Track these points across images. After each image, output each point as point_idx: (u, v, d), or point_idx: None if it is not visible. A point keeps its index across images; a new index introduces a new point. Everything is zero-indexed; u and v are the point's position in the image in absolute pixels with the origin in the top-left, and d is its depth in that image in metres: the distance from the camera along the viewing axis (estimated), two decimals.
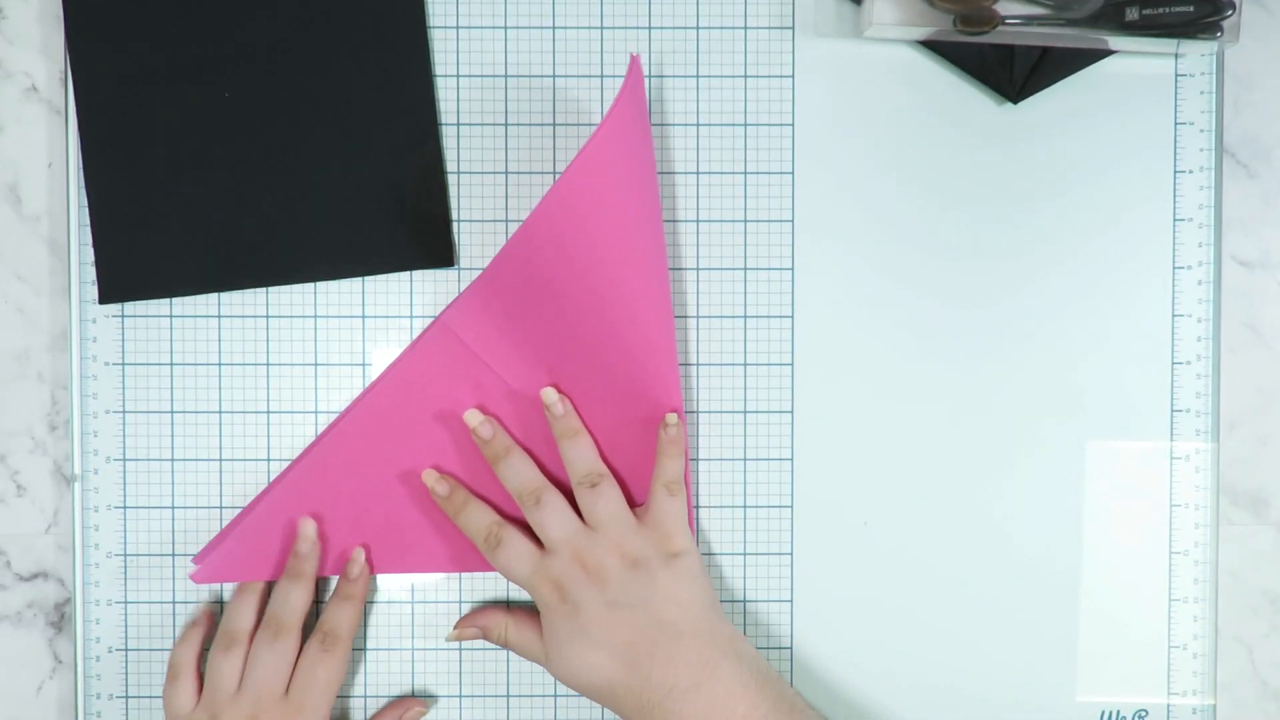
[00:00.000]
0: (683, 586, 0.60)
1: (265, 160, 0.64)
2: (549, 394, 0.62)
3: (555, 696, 0.66)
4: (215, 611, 0.65)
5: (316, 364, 0.65)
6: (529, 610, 0.64)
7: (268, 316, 0.65)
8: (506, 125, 0.65)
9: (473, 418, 0.63)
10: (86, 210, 0.64)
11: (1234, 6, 0.60)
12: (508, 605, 0.65)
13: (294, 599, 0.62)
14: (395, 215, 0.64)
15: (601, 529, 0.61)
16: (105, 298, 0.64)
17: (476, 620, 0.64)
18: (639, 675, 0.58)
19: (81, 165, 0.64)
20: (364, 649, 0.66)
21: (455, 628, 0.65)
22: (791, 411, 0.66)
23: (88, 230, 0.64)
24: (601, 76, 0.65)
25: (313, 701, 0.61)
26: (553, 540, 0.61)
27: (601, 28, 0.65)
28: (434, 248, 0.65)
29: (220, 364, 0.65)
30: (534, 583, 0.61)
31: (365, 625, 0.66)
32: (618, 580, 0.59)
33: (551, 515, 0.61)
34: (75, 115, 0.64)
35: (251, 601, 0.64)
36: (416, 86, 0.64)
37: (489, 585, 0.66)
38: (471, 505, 0.63)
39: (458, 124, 0.65)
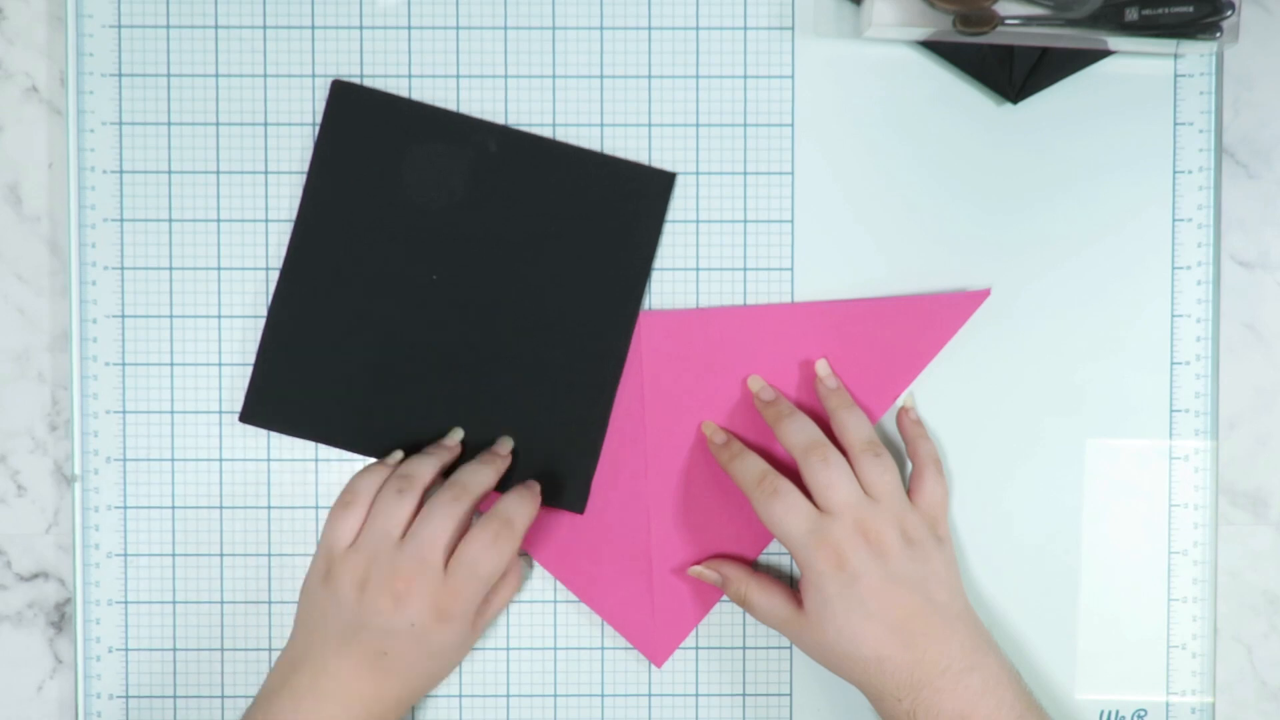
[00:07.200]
0: (952, 571, 0.61)
1: (451, 350, 0.64)
2: (818, 368, 0.64)
3: (555, 696, 0.66)
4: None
5: None
6: (771, 574, 0.64)
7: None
8: (506, 126, 0.65)
9: (755, 382, 0.64)
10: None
11: (1233, 7, 0.60)
12: (753, 565, 0.65)
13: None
14: (544, 456, 0.64)
15: (884, 500, 0.60)
16: (245, 417, 0.64)
17: (720, 567, 0.64)
18: (913, 653, 0.58)
19: (275, 290, 0.64)
20: None
21: (700, 564, 0.64)
22: None
23: (88, 230, 0.64)
24: (601, 77, 0.65)
25: (433, 557, 0.58)
26: (835, 503, 0.59)
27: (601, 28, 0.65)
28: (569, 494, 0.64)
29: (220, 364, 0.65)
30: (808, 543, 0.59)
31: None
32: (898, 555, 0.59)
33: (840, 475, 0.60)
34: (290, 237, 0.64)
35: (436, 460, 0.62)
36: (620, 333, 0.64)
37: None
38: (747, 453, 0.62)
39: None
